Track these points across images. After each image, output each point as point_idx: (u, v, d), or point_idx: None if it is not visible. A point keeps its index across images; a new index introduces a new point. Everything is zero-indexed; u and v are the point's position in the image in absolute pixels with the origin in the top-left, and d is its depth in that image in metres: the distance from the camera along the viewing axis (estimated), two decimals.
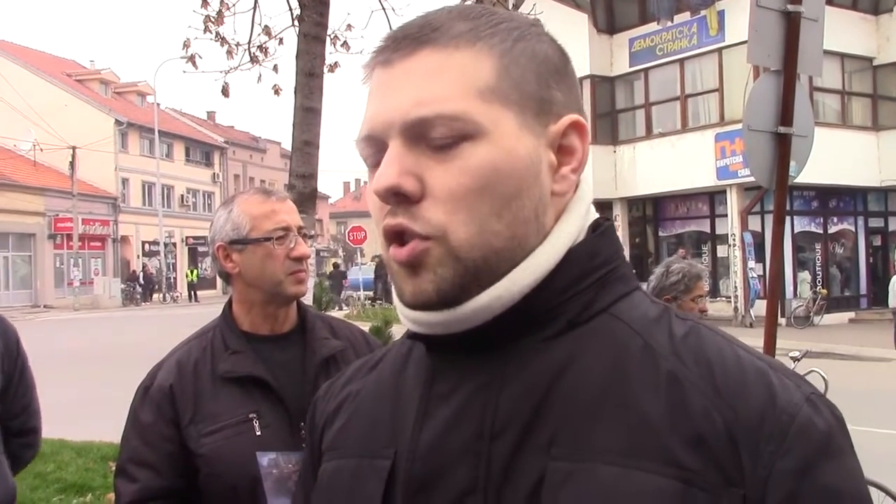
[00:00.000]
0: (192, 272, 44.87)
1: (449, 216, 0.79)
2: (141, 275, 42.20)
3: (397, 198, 0.80)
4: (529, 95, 0.83)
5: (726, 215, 21.86)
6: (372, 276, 32.33)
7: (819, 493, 0.75)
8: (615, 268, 0.87)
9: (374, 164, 0.83)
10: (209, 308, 35.23)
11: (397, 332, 5.84)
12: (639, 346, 0.82)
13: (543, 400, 0.80)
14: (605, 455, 0.77)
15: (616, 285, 0.87)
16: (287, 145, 5.48)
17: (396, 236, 0.82)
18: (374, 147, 0.84)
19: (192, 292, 43.16)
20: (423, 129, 0.80)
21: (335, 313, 20.15)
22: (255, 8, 6.69)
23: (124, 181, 43.46)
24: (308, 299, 4.92)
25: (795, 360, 5.04)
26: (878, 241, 24.04)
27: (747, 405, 0.77)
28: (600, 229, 0.88)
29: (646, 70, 23.46)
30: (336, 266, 38.57)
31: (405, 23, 0.86)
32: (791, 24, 4.47)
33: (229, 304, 2.04)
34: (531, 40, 0.85)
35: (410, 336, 0.90)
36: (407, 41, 0.82)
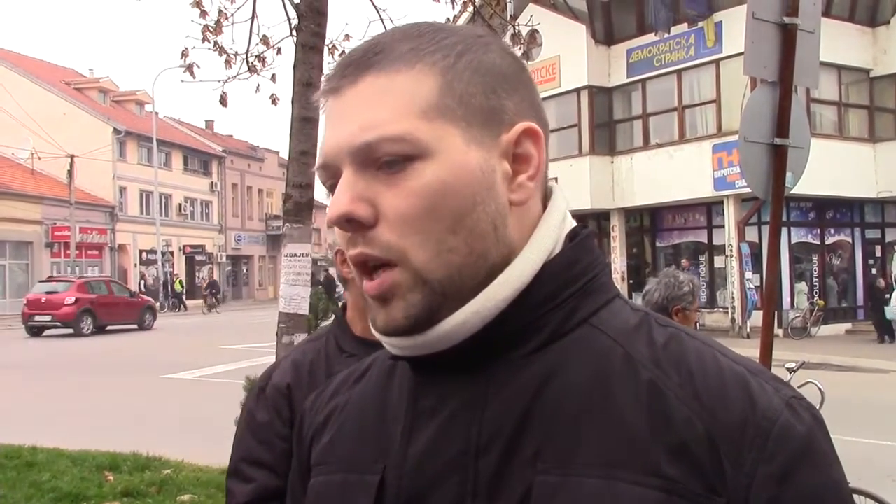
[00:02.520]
0: (179, 282, 44.36)
1: (404, 238, 0.80)
2: (141, 283, 41.96)
3: (351, 224, 0.81)
4: (476, 108, 0.82)
5: (723, 226, 21.87)
6: None
7: (801, 498, 0.76)
8: (594, 277, 0.87)
9: (332, 191, 0.85)
10: (204, 318, 34.93)
11: None
12: (619, 356, 0.82)
13: (527, 414, 0.81)
14: (588, 468, 0.77)
15: (595, 295, 0.86)
16: (285, 154, 5.48)
17: (362, 266, 0.83)
18: (331, 175, 0.85)
19: (181, 303, 42.80)
20: (369, 154, 0.80)
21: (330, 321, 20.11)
22: (253, 18, 6.71)
23: (122, 190, 43.44)
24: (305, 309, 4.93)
25: (791, 371, 5.04)
26: (875, 253, 24.09)
27: (727, 411, 0.78)
28: (577, 238, 0.88)
29: (643, 81, 23.49)
30: (327, 274, 38.64)
31: (352, 49, 0.87)
32: (787, 37, 4.49)
33: (343, 308, 2.08)
34: (477, 52, 0.84)
35: (392, 358, 0.90)
36: (352, 68, 0.83)
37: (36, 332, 26.72)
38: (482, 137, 0.82)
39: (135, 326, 28.90)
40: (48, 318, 26.47)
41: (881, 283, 20.10)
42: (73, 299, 26.47)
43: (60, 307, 26.30)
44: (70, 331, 26.19)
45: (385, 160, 0.80)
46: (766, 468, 0.75)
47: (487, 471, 0.80)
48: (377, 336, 0.87)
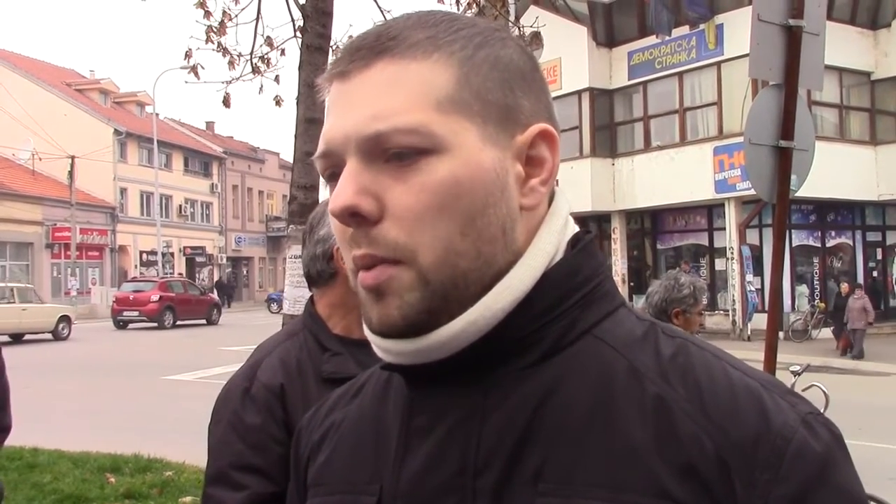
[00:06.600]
0: None
1: (411, 237, 0.75)
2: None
3: (355, 219, 0.76)
4: (492, 104, 0.78)
5: (724, 229, 21.88)
6: None
7: None
8: (597, 285, 0.82)
9: (333, 181, 0.79)
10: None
11: None
12: (624, 369, 0.78)
13: (527, 431, 0.77)
14: (592, 488, 0.73)
15: (599, 304, 0.82)
16: (286, 156, 5.46)
17: (365, 266, 0.77)
18: (332, 164, 0.79)
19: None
20: (379, 145, 0.75)
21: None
22: (257, 19, 6.71)
23: (123, 191, 43.40)
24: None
25: (796, 374, 5.04)
26: (876, 255, 24.10)
27: (739, 429, 0.73)
28: (580, 244, 0.83)
29: (644, 83, 23.52)
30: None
31: (363, 32, 0.81)
32: (792, 39, 4.49)
33: (312, 305, 1.98)
34: (494, 46, 0.80)
35: (384, 367, 0.85)
36: (363, 52, 0.78)
37: (122, 325, 30.18)
38: (497, 136, 0.78)
39: (204, 321, 32.24)
40: (135, 313, 29.91)
41: (844, 287, 19.33)
42: (157, 297, 29.93)
43: (146, 304, 29.75)
44: (154, 324, 29.69)
45: (394, 152, 0.75)
46: (781, 490, 0.71)
47: (486, 492, 0.76)
48: (372, 340, 0.82)
